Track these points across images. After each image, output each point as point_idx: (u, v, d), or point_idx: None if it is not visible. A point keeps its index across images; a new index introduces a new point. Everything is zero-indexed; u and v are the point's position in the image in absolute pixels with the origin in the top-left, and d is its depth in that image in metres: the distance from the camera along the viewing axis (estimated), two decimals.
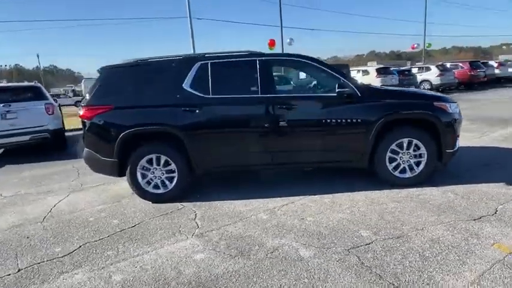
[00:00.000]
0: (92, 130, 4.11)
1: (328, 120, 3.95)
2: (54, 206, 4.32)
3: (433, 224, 3.09)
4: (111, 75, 4.16)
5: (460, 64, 20.87)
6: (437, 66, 19.53)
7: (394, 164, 4.07)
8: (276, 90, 4.11)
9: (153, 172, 4.09)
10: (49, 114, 8.08)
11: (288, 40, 22.38)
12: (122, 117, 4.01)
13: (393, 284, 2.28)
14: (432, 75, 19.23)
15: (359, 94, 3.96)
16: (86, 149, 4.22)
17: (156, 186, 4.12)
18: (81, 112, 4.13)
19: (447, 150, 4.04)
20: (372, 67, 19.74)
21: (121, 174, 4.15)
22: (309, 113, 4.01)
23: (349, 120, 3.95)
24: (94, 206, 4.19)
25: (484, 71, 20.76)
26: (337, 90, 3.87)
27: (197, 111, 3.95)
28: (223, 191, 4.34)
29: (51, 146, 8.28)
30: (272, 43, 21.16)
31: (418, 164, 4.07)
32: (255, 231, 3.20)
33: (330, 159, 4.12)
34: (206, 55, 4.17)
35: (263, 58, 4.09)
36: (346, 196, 3.92)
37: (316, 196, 3.97)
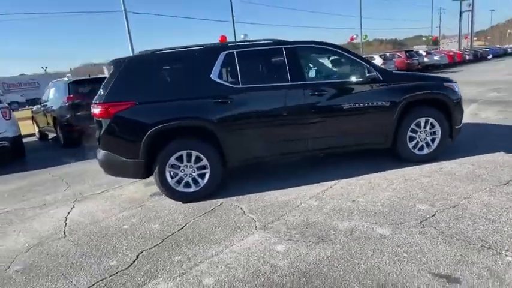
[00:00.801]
0: (111, 130, 3.70)
1: (358, 105, 4.07)
2: (66, 218, 3.82)
3: (475, 192, 3.38)
4: (130, 68, 3.77)
5: (398, 53, 22.84)
6: (380, 56, 21.10)
7: (413, 142, 4.34)
8: (305, 78, 4.09)
9: (183, 170, 3.83)
10: (6, 120, 7.10)
11: (242, 36, 22.31)
12: (147, 113, 3.68)
13: (485, 246, 2.46)
14: (377, 64, 20.68)
15: (381, 78, 4.13)
16: (102, 151, 3.79)
17: (187, 185, 3.86)
18: (97, 110, 3.69)
19: (456, 127, 4.42)
20: None
21: (147, 175, 3.82)
22: (339, 99, 4.08)
23: (376, 103, 4.11)
24: (116, 214, 3.80)
25: (417, 60, 22.98)
26: (366, 75, 4.00)
27: (229, 102, 3.78)
28: (249, 183, 4.23)
29: (8, 156, 7.29)
30: (223, 39, 20.90)
31: (433, 141, 4.39)
32: (318, 217, 3.18)
33: (360, 142, 4.26)
34: (229, 44, 4.00)
35: (289, 46, 4.05)
36: (378, 176, 4.08)
37: (350, 179, 4.06)
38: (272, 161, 4.56)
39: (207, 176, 3.87)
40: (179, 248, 2.90)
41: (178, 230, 3.23)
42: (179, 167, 3.81)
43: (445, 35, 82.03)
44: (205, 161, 3.83)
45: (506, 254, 2.34)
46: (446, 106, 4.31)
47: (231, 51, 3.91)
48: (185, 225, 3.33)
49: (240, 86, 3.85)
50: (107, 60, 4.15)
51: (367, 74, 4.03)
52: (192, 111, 3.74)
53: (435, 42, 59.31)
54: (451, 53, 28.95)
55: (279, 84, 3.94)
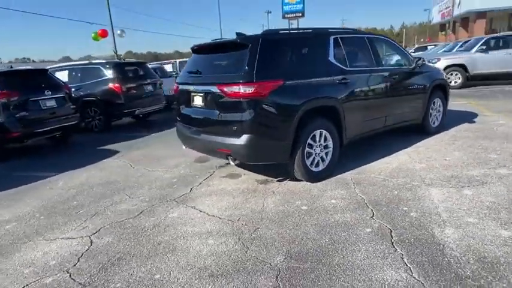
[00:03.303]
0: (262, 111, 3.40)
1: (410, 87, 5.06)
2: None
3: None
4: (268, 46, 3.54)
5: None
6: None
7: (431, 118, 5.67)
8: (382, 64, 4.77)
9: (315, 149, 3.88)
10: None
11: (119, 31, 20.26)
12: (294, 93, 3.60)
13: None
14: None
15: (415, 66, 5.25)
16: (249, 136, 3.41)
17: (316, 164, 3.93)
18: (245, 90, 3.32)
19: (447, 107, 6.04)
20: None
21: (291, 157, 3.69)
22: (402, 82, 4.95)
23: (419, 87, 5.20)
24: (278, 206, 3.47)
25: None
26: (417, 62, 5.03)
27: (347, 82, 4.08)
28: (347, 159, 4.57)
29: None
30: (104, 33, 18.56)
31: (438, 117, 5.84)
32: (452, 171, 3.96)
33: (408, 118, 5.23)
34: (331, 30, 4.28)
35: (367, 35, 4.67)
36: (428, 143, 5.17)
37: (408, 149, 4.97)
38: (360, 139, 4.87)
39: (330, 154, 4.04)
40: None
41: (353, 208, 3.38)
42: (312, 146, 3.84)
43: None
44: (329, 140, 3.99)
45: None
46: (445, 90, 5.84)
47: (335, 36, 4.20)
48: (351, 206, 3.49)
49: (348, 68, 4.19)
50: None
51: (417, 62, 5.08)
52: (325, 91, 3.85)
53: None
54: None
55: (372, 68, 4.50)
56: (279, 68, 3.58)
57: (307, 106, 3.64)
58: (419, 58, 5.31)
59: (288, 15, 50.91)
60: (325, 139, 3.96)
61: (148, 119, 10.03)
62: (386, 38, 5.14)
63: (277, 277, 2.30)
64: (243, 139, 3.44)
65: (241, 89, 3.34)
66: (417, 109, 5.32)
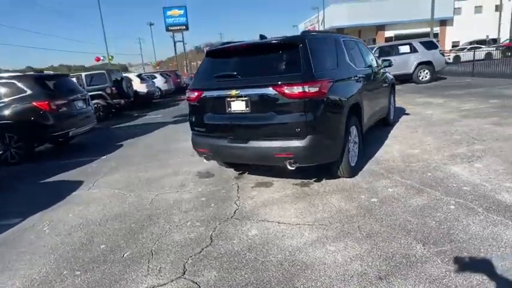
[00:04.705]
0: (323, 110, 3.38)
1: (384, 84, 5.79)
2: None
3: None
4: (317, 45, 3.56)
5: (168, 73, 24.75)
6: (161, 74, 22.17)
7: (391, 111, 6.54)
8: (369, 64, 5.25)
9: (351, 145, 4.05)
10: None
11: None
12: (341, 91, 3.74)
13: None
14: (160, 82, 21.60)
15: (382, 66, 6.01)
16: (313, 136, 3.31)
17: (352, 160, 4.09)
18: (310, 89, 3.23)
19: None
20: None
21: (341, 154, 3.74)
22: (381, 80, 5.61)
23: (387, 83, 5.99)
24: (348, 203, 3.45)
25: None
26: (383, 62, 5.78)
27: (359, 81, 4.38)
28: None
29: None
30: None
31: (393, 110, 6.77)
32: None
33: (383, 112, 5.90)
34: (337, 33, 4.53)
35: (355, 39, 5.15)
36: (399, 133, 5.94)
37: (389, 139, 5.67)
38: None
39: (357, 149, 4.26)
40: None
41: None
42: (350, 142, 3.99)
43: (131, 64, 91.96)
44: (357, 136, 4.22)
45: None
46: (394, 87, 6.83)
47: (343, 39, 4.48)
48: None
49: (357, 68, 4.51)
50: None
51: (382, 63, 5.82)
52: (353, 89, 4.08)
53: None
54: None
55: (366, 67, 4.94)
56: (326, 67, 3.62)
57: (349, 103, 3.79)
58: (385, 59, 6.12)
59: (172, 28, 50.18)
60: (356, 135, 4.16)
61: (73, 142, 8.41)
62: (362, 41, 5.73)
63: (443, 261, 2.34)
64: (307, 140, 3.33)
65: (306, 89, 3.24)
66: (386, 103, 6.07)
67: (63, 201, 4.28)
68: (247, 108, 3.54)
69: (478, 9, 40.33)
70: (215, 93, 3.71)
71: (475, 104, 8.04)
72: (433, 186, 3.58)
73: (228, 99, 3.61)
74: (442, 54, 14.75)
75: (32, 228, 3.57)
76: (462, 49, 26.65)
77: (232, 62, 3.78)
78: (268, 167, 4.54)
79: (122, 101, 13.60)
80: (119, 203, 4.05)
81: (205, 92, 3.78)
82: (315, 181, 4.07)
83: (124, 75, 15.44)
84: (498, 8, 36.98)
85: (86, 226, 3.50)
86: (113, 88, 13.23)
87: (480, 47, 25.40)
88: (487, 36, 31.98)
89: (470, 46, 26.16)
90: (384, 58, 6.82)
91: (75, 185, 4.90)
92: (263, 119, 3.46)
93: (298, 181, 4.12)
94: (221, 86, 3.66)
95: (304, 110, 3.30)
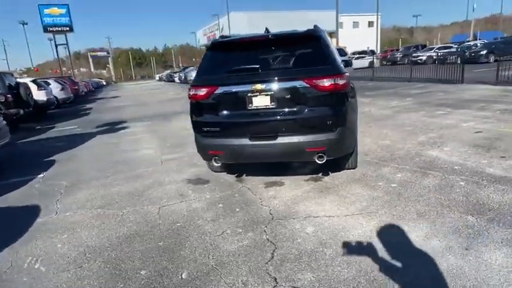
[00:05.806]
0: (349, 102, 3.49)
1: None
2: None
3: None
4: (327, 38, 3.59)
5: (64, 80, 21.68)
6: (56, 81, 19.26)
7: None
8: None
9: None
10: None
11: None
12: (351, 84, 3.80)
13: None
14: (56, 89, 18.72)
15: None
16: (342, 128, 3.37)
17: None
18: (340, 82, 3.27)
19: None
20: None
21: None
22: None
23: None
24: (373, 191, 3.55)
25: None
26: None
27: None
28: None
29: None
30: None
31: None
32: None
33: None
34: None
35: None
36: None
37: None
38: None
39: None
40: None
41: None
42: None
43: None
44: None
45: None
46: None
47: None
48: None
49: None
50: None
51: None
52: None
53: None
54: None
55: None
56: (340, 60, 3.71)
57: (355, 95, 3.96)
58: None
59: (51, 29, 43.93)
60: None
61: None
62: None
63: None
64: (338, 132, 3.36)
65: (339, 81, 3.27)
66: None
67: (32, 231, 3.33)
68: (272, 103, 3.37)
69: (356, 24, 47.21)
70: (233, 88, 3.43)
71: (398, 102, 9.35)
72: (431, 169, 4.03)
73: (250, 94, 3.38)
74: (351, 61, 16.71)
75: (15, 268, 2.67)
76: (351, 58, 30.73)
77: (247, 55, 3.55)
78: (266, 167, 4.41)
79: (21, 111, 11.36)
80: (117, 223, 3.35)
81: (219, 88, 3.45)
82: (323, 175, 4.13)
83: (18, 80, 12.91)
84: (370, 24, 43.95)
85: (95, 254, 2.80)
86: (9, 96, 10.94)
87: (364, 57, 29.76)
88: (368, 47, 37.59)
89: (357, 56, 30.26)
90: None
91: (32, 210, 3.87)
92: (293, 114, 3.35)
93: (308, 177, 4.11)
94: (240, 80, 3.40)
95: (334, 103, 3.33)
